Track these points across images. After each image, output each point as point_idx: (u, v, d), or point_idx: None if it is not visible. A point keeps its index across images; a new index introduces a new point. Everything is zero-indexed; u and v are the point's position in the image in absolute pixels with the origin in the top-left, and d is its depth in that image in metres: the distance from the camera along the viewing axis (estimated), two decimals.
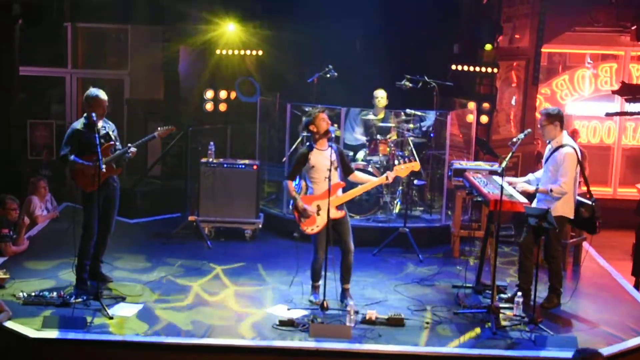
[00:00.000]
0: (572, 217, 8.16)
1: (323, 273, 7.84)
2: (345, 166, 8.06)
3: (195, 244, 10.11)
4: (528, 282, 8.06)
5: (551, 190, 7.96)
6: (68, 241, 8.26)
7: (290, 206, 7.98)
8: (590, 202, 8.15)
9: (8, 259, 9.04)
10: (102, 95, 8.14)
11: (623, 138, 13.99)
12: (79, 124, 8.15)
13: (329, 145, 7.90)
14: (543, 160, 8.36)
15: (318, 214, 7.84)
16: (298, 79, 11.54)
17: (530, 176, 8.55)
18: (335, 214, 7.89)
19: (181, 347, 7.14)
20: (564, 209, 8.04)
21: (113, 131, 8.30)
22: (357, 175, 8.20)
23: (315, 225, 7.87)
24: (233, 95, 12.30)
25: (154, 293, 8.34)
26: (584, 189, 8.41)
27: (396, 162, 10.38)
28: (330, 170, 7.74)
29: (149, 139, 8.58)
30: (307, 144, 8.05)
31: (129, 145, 8.22)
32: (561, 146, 8.02)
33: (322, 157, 7.86)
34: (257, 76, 12.30)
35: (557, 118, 8.06)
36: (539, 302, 8.02)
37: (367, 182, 8.15)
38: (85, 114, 8.15)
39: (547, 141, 8.19)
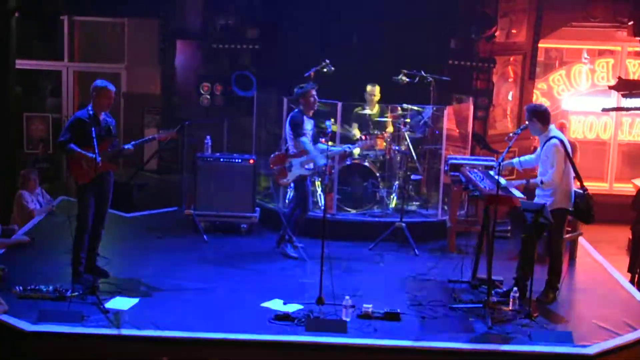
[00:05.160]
0: (571, 208, 8.20)
1: None
2: None
3: (191, 238, 10.11)
4: (525, 277, 8.07)
5: (542, 182, 8.03)
6: (64, 235, 8.25)
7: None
8: (582, 192, 8.19)
9: (4, 252, 9.03)
10: (111, 86, 8.15)
11: (619, 133, 13.99)
12: (83, 114, 8.11)
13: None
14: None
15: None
16: (295, 72, 11.50)
17: (514, 160, 8.62)
18: None
19: (177, 341, 7.13)
20: (562, 201, 8.09)
21: (113, 126, 8.29)
22: None
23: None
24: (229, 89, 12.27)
25: (150, 287, 8.34)
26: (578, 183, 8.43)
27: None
28: None
29: (148, 140, 8.62)
30: None
31: (130, 143, 8.22)
32: (549, 139, 8.10)
33: None
34: (253, 70, 12.26)
35: (533, 115, 8.16)
36: (535, 296, 8.05)
37: None
38: (90, 105, 8.11)
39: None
